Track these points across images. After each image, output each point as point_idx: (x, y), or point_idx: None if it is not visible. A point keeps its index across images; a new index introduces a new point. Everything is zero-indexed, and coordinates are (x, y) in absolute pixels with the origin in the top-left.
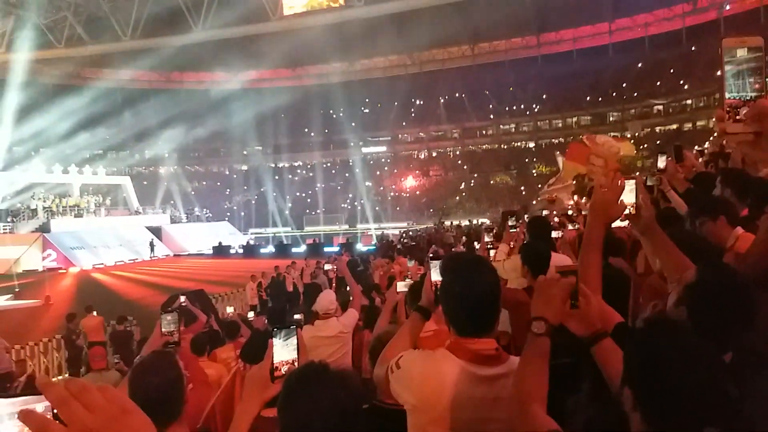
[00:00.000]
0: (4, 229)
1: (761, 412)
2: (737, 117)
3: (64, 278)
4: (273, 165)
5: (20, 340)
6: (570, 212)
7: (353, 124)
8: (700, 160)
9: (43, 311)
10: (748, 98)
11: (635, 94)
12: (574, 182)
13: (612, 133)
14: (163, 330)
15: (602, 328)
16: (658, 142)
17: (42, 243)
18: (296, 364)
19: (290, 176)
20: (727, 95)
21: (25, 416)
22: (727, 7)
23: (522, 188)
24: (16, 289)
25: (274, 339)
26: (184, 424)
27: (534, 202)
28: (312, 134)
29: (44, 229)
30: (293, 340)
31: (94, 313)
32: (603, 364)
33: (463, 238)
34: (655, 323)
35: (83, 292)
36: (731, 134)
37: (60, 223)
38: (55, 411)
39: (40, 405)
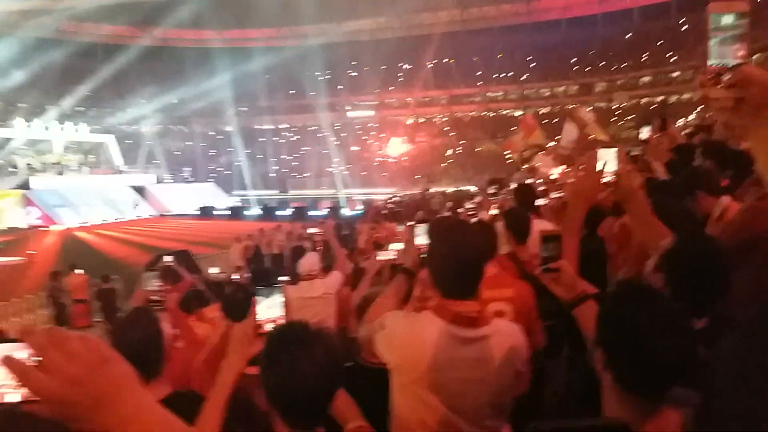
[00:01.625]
0: None
1: (727, 372)
2: (719, 83)
3: (47, 236)
4: (258, 127)
5: (4, 296)
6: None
7: (340, 87)
8: (684, 132)
9: (27, 268)
10: (730, 65)
11: (623, 65)
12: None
13: (598, 104)
14: (147, 288)
15: (584, 291)
16: (643, 114)
17: (23, 200)
18: (279, 322)
19: (276, 138)
20: (709, 62)
21: (7, 362)
22: None
23: (507, 156)
24: (1, 247)
25: (257, 297)
26: (166, 382)
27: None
28: (298, 96)
29: (25, 186)
30: (276, 299)
31: (79, 271)
32: (584, 325)
33: (449, 204)
34: (627, 285)
35: (67, 251)
36: (713, 99)
37: (41, 180)
38: (36, 358)
39: (21, 353)
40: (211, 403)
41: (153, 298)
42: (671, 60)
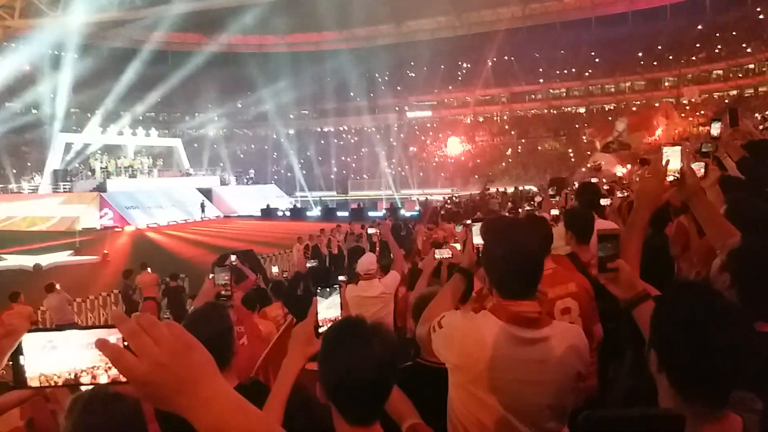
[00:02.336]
0: (64, 188)
1: None
2: None
3: (120, 236)
4: (319, 129)
5: (81, 293)
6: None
7: (399, 87)
8: (761, 127)
9: (102, 267)
10: None
11: (693, 58)
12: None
13: (666, 99)
14: (217, 283)
15: (644, 290)
16: (716, 108)
17: (99, 202)
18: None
19: (335, 140)
20: None
21: (102, 345)
22: None
23: (571, 154)
24: (77, 246)
25: (318, 297)
26: (233, 375)
27: (583, 169)
28: (357, 98)
29: (101, 188)
30: (336, 299)
31: (149, 270)
32: (643, 326)
33: (509, 204)
34: (683, 285)
35: (138, 250)
36: None
37: (115, 183)
38: (126, 343)
39: (112, 337)
40: (273, 398)
41: (221, 292)
42: (746, 51)
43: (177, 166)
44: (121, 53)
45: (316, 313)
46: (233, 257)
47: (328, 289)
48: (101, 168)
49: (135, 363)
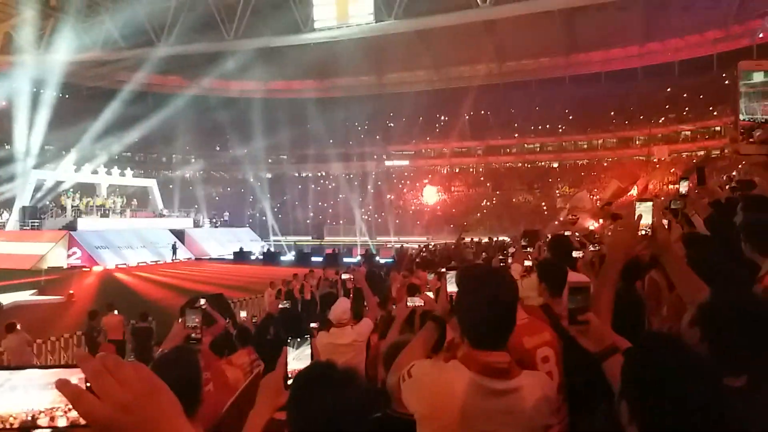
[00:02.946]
0: (32, 226)
1: None
2: (750, 139)
3: (87, 276)
4: (296, 174)
5: (43, 334)
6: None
7: (377, 137)
8: (727, 187)
9: (66, 307)
10: (761, 121)
11: (662, 119)
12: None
13: (637, 157)
14: (187, 325)
15: (613, 344)
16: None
17: (68, 241)
18: None
19: (313, 186)
20: (741, 117)
21: (62, 385)
22: (761, 35)
23: (544, 207)
24: (42, 285)
25: (288, 347)
26: (199, 423)
27: (556, 223)
28: (336, 145)
29: (71, 227)
30: (306, 350)
31: (115, 311)
32: (612, 378)
33: (483, 254)
34: (653, 338)
35: (105, 291)
36: (744, 155)
37: (86, 222)
38: (88, 384)
39: (73, 378)
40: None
41: (191, 335)
42: (713, 113)
43: (151, 207)
44: (101, 93)
45: (286, 364)
46: (202, 300)
47: (298, 339)
48: (72, 206)
49: (97, 405)
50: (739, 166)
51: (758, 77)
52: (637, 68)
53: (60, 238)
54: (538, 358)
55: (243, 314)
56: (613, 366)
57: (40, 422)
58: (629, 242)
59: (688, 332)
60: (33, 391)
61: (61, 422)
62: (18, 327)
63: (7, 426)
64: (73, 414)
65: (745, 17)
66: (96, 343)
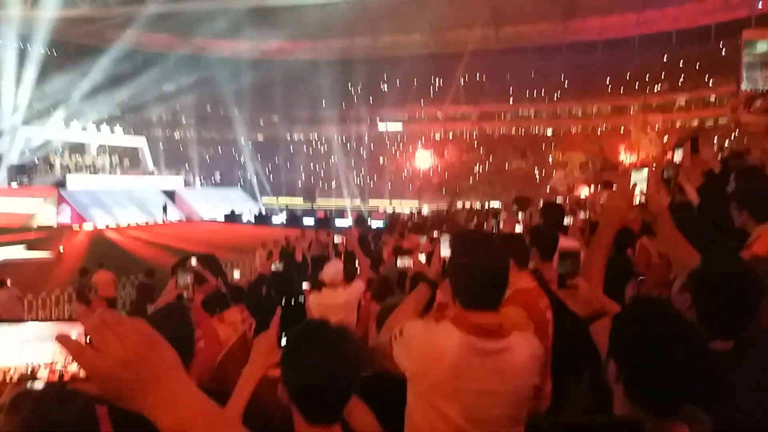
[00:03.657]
0: (21, 183)
1: (756, 399)
2: (750, 108)
3: (77, 235)
4: (288, 137)
5: (32, 291)
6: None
7: (371, 100)
8: (720, 156)
9: (56, 265)
10: (764, 90)
11: (658, 88)
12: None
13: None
14: (179, 285)
15: (601, 308)
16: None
17: (57, 198)
18: None
19: (305, 148)
20: (742, 86)
21: (63, 340)
22: (760, 5)
23: (537, 174)
24: (32, 242)
25: (281, 307)
26: (191, 378)
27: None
28: (329, 108)
29: (60, 185)
30: (298, 308)
31: (106, 269)
32: (599, 341)
33: (474, 219)
34: (643, 301)
35: (95, 249)
36: (745, 124)
37: (75, 180)
38: (88, 339)
39: (73, 332)
40: (232, 404)
41: (183, 294)
42: (709, 84)
43: (141, 167)
44: (90, 50)
45: (279, 324)
46: (194, 260)
47: (292, 297)
48: (61, 164)
49: (97, 359)
50: (733, 137)
51: (762, 47)
52: (635, 36)
53: (49, 195)
54: (545, 320)
55: (237, 274)
56: (600, 329)
57: (39, 375)
58: (623, 210)
59: (679, 298)
60: (31, 344)
61: (61, 375)
62: (8, 283)
63: (7, 379)
64: (73, 368)
65: None
66: (88, 300)
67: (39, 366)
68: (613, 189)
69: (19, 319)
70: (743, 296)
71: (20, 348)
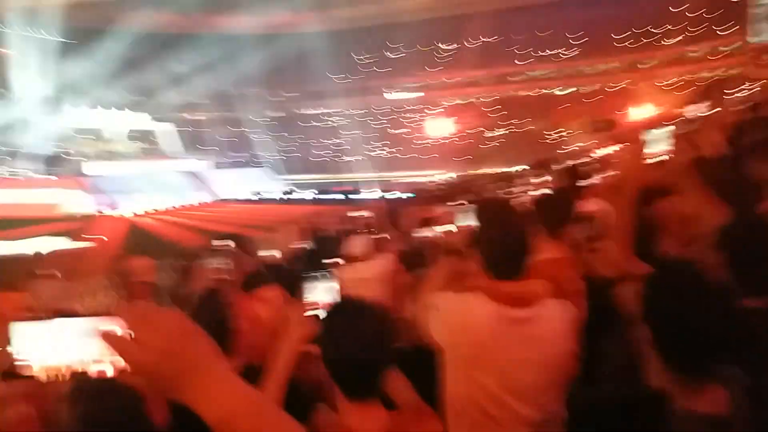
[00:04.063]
0: (49, 173)
1: None
2: (761, 61)
3: (109, 221)
4: (305, 112)
5: (75, 277)
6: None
7: (383, 69)
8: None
9: (94, 252)
10: None
11: (670, 41)
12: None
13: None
14: (216, 267)
15: (628, 270)
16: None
17: (89, 186)
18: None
19: (323, 123)
20: (750, 39)
21: (106, 336)
22: None
23: (553, 135)
24: (72, 232)
25: (312, 282)
26: (236, 359)
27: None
28: (341, 80)
29: (87, 173)
30: (331, 283)
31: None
32: (625, 303)
33: (498, 184)
34: (673, 262)
35: (131, 235)
36: (754, 79)
37: (101, 166)
38: (130, 333)
39: (115, 327)
40: (272, 386)
41: (218, 277)
42: (719, 35)
43: (168, 150)
44: (102, 34)
45: (306, 298)
46: (230, 242)
47: (324, 273)
48: (87, 152)
49: (139, 353)
50: (746, 85)
51: None
52: None
53: (80, 184)
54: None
55: (270, 252)
56: (626, 291)
57: (89, 371)
58: (639, 170)
59: (710, 255)
60: (78, 339)
61: (109, 370)
62: (58, 274)
63: (59, 378)
64: (119, 362)
65: None
66: (129, 287)
67: (87, 362)
68: (622, 147)
69: (74, 313)
70: None
71: (76, 342)
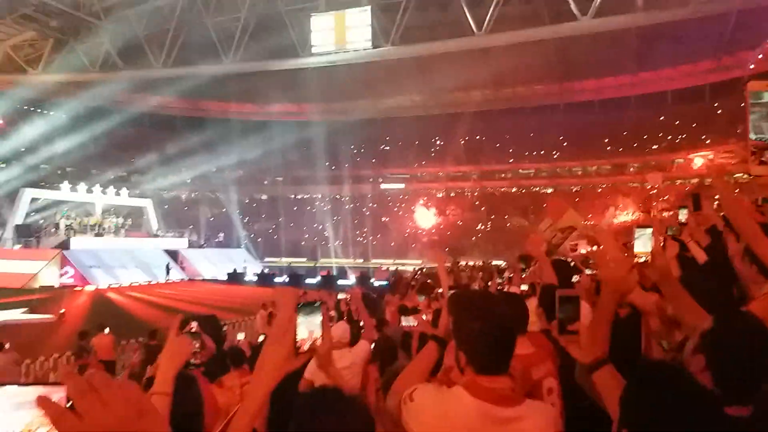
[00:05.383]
0: (26, 244)
1: None
2: (762, 159)
3: (79, 296)
4: (292, 196)
5: (32, 354)
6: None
7: (373, 160)
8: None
9: (57, 327)
10: None
11: (655, 147)
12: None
13: (632, 183)
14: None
15: (603, 355)
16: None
17: (60, 260)
18: (318, 342)
19: (308, 208)
20: (751, 136)
21: (43, 403)
22: (752, 66)
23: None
24: (34, 303)
25: (298, 315)
26: None
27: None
28: (332, 168)
29: (64, 246)
30: (317, 319)
31: (106, 331)
32: (602, 390)
33: (479, 275)
34: (654, 366)
35: (97, 311)
36: (755, 176)
37: (80, 241)
38: (71, 403)
39: (55, 395)
40: (253, 391)
41: (190, 361)
42: (705, 142)
43: (145, 227)
44: (98, 112)
45: (296, 331)
46: (194, 324)
47: (308, 308)
48: (66, 225)
49: (77, 425)
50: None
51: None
52: (630, 97)
53: (53, 257)
54: (544, 390)
55: (240, 336)
56: (603, 377)
57: None
58: (622, 279)
59: (691, 360)
60: (12, 409)
61: None
62: (7, 346)
63: None
64: None
65: (736, 49)
66: (85, 364)
67: None
68: (604, 248)
69: (15, 383)
70: (760, 357)
71: (11, 413)
